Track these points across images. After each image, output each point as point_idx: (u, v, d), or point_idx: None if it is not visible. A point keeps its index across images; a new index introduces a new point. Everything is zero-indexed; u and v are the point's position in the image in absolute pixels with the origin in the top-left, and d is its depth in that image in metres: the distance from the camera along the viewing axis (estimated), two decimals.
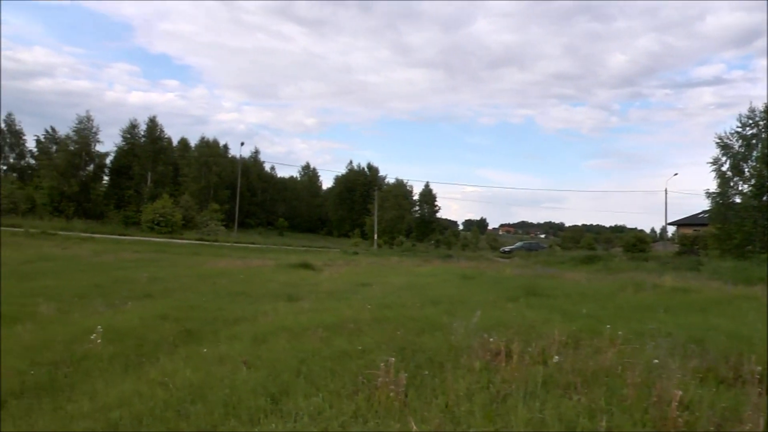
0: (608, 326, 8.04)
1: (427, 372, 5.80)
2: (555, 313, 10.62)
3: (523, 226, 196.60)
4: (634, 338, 7.71)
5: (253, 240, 52.62)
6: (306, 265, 24.01)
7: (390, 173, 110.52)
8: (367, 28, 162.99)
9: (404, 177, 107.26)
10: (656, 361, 6.13)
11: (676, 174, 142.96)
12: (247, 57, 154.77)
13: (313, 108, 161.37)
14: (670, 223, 67.34)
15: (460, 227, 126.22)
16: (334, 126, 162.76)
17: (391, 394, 4.96)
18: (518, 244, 76.49)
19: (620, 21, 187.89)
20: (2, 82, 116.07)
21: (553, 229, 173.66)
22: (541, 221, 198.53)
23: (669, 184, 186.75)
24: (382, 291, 16.10)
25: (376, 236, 69.27)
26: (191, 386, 5.41)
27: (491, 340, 6.85)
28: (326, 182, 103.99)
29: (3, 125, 63.65)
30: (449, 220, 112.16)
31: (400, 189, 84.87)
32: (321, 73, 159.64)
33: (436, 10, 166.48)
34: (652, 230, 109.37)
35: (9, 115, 64.08)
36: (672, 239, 66.24)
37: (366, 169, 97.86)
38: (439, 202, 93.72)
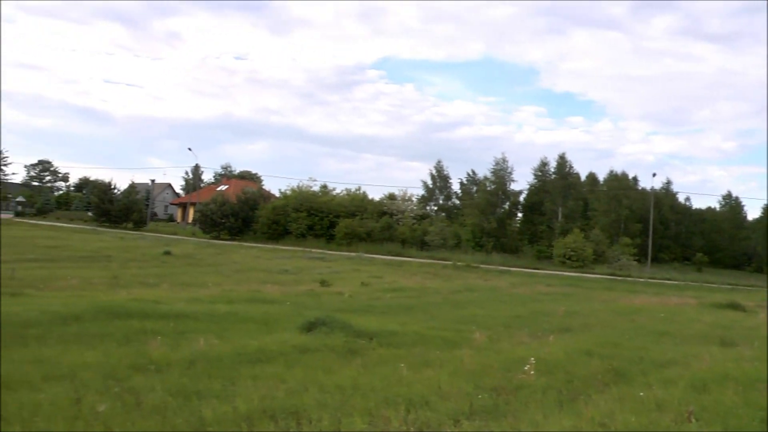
0: None
1: None
2: None
3: None
4: None
5: (668, 276, 49.07)
6: (735, 306, 21.42)
7: None
8: None
9: None
10: None
11: None
12: (652, 85, 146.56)
13: (732, 130, 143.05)
14: None
15: None
16: (758, 149, 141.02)
17: None
18: None
19: None
20: (431, 135, 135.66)
21: None
22: None
23: None
24: None
25: None
26: None
27: None
28: (752, 212, 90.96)
29: (434, 171, 73.59)
30: None
31: None
32: (739, 92, 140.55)
33: None
34: None
35: (438, 162, 74.10)
36: None
37: None
38: None
